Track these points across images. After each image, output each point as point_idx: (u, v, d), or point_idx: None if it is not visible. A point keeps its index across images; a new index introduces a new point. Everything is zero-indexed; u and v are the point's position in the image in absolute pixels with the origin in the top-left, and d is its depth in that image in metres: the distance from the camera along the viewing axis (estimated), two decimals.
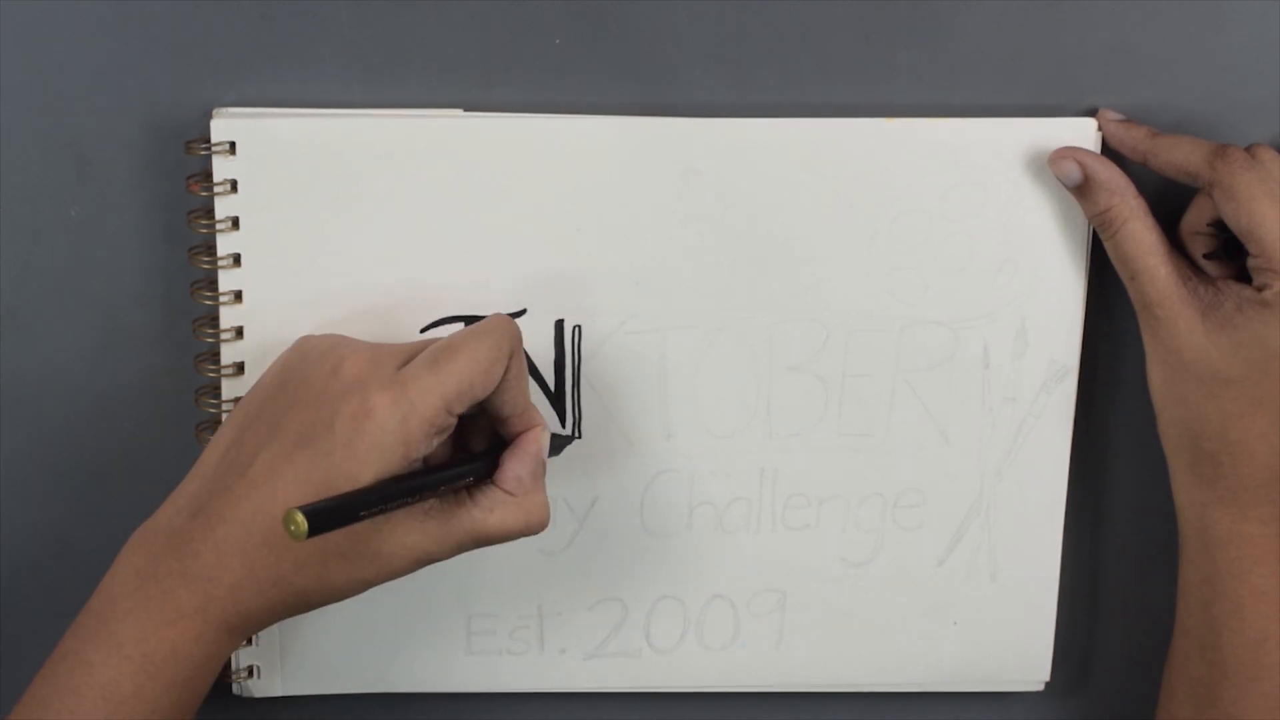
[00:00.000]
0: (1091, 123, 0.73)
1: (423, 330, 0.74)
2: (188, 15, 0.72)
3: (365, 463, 0.63)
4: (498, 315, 0.68)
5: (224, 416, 0.74)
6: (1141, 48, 0.74)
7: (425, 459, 0.66)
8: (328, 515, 0.61)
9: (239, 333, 0.74)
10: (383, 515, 0.63)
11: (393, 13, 0.73)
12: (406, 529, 0.65)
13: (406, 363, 0.66)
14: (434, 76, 0.73)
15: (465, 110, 0.74)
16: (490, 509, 0.67)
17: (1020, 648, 0.80)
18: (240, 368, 0.74)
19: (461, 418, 0.67)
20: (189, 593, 0.65)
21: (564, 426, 0.76)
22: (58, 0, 0.72)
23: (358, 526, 0.63)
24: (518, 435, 0.68)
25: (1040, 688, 0.81)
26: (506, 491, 0.67)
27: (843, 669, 0.80)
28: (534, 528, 0.68)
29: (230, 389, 0.74)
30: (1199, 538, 0.73)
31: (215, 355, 0.74)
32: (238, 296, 0.73)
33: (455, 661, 0.78)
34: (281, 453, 0.64)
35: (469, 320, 0.74)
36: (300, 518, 0.59)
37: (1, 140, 0.73)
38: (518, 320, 0.74)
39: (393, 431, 0.63)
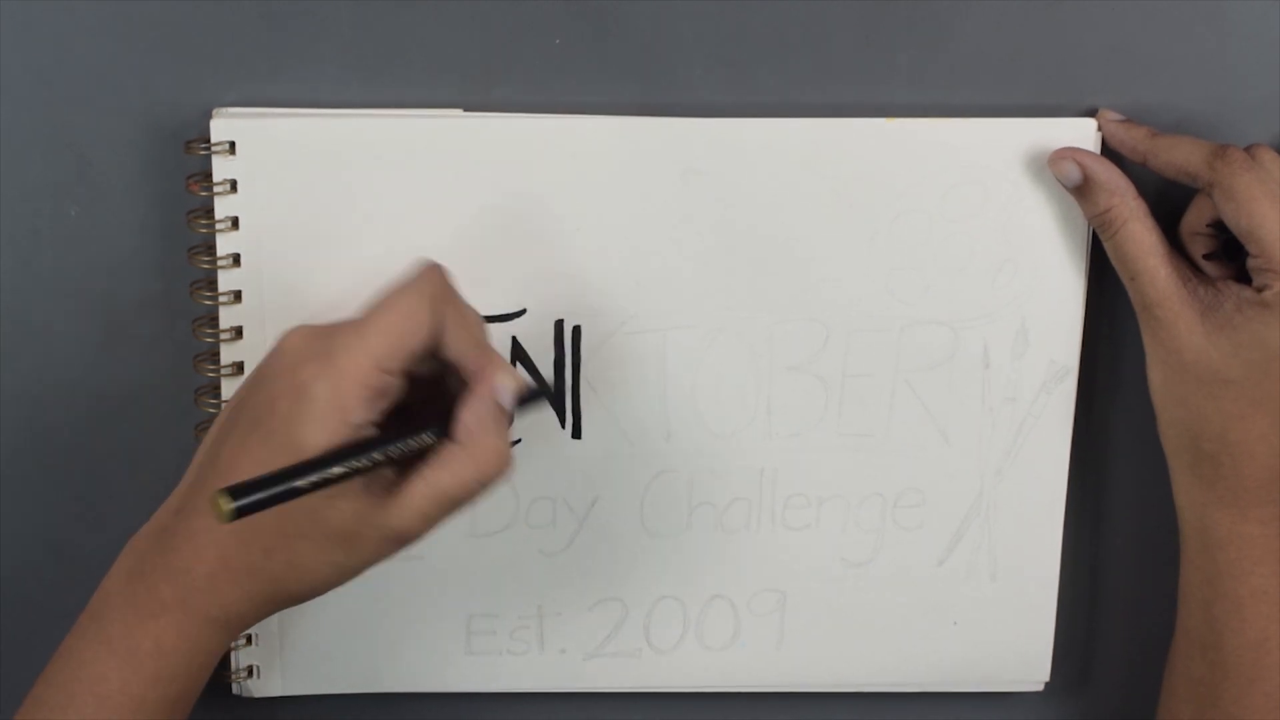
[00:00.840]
0: (1091, 123, 0.73)
1: None
2: (188, 15, 0.72)
3: (306, 436, 0.61)
4: (422, 262, 0.64)
5: None
6: (1141, 48, 0.74)
7: (382, 428, 0.63)
8: (256, 490, 0.59)
9: (238, 333, 0.74)
10: (335, 488, 0.61)
11: (393, 13, 0.73)
12: (364, 503, 0.62)
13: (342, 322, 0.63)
14: (434, 76, 0.73)
15: (465, 110, 0.74)
16: (443, 465, 0.62)
17: (1020, 648, 0.80)
18: (240, 368, 0.74)
19: (434, 382, 0.65)
20: (170, 586, 0.64)
21: (563, 426, 0.76)
22: (58, 0, 0.72)
23: (311, 503, 0.61)
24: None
25: (1040, 688, 0.81)
26: (457, 442, 0.63)
27: (843, 669, 0.80)
28: (490, 475, 0.63)
29: (230, 389, 0.74)
30: (1199, 538, 0.73)
31: (215, 355, 0.74)
32: (237, 297, 0.73)
33: (455, 661, 0.78)
34: (239, 440, 0.63)
35: None
36: (222, 498, 0.58)
37: (1, 140, 0.73)
38: (517, 320, 0.74)
39: (326, 400, 0.61)
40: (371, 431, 0.63)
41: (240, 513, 0.58)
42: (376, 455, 0.62)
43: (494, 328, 0.74)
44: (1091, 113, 0.74)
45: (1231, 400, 0.71)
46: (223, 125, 0.72)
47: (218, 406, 0.74)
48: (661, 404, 0.76)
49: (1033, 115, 0.74)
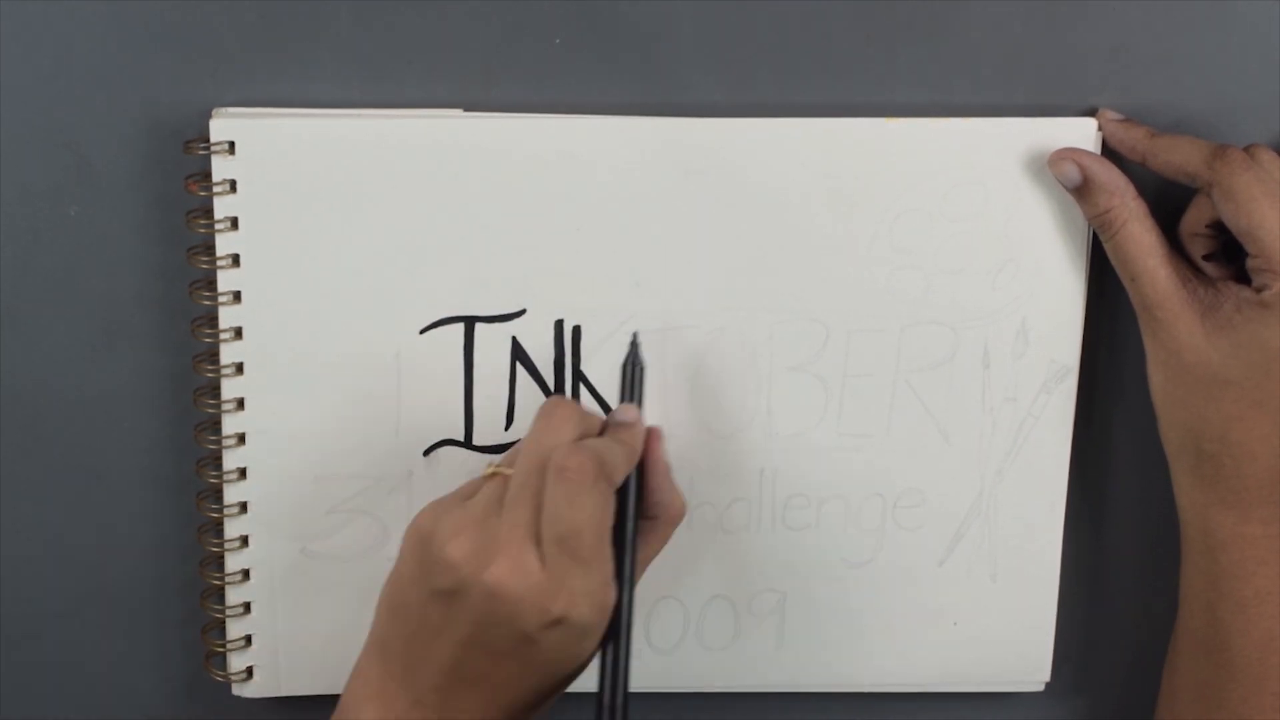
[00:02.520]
0: (1092, 123, 0.73)
1: (422, 331, 0.74)
2: (187, 15, 0.72)
3: (587, 649, 0.66)
4: (548, 407, 0.67)
5: (223, 417, 0.75)
6: (1141, 48, 0.74)
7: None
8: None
9: (238, 333, 0.74)
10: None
11: (393, 13, 0.73)
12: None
13: (536, 541, 0.64)
14: (434, 76, 0.73)
15: (465, 110, 0.73)
16: (649, 543, 0.69)
17: (1020, 648, 0.80)
18: (239, 368, 0.74)
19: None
20: None
21: None
22: (58, 0, 0.72)
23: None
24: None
25: (1041, 688, 0.80)
26: (655, 519, 0.69)
27: (843, 669, 0.80)
28: (678, 524, 0.70)
29: (229, 389, 0.74)
30: (1201, 540, 0.73)
31: (214, 355, 0.74)
32: (236, 297, 0.73)
33: None
34: (485, 659, 0.65)
35: (468, 321, 0.74)
36: None
37: (1, 140, 0.73)
38: (517, 320, 0.74)
39: (590, 619, 0.65)
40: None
41: None
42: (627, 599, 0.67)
43: (493, 328, 0.74)
44: (1091, 113, 0.74)
45: (1232, 401, 0.71)
46: (222, 125, 0.72)
47: (216, 407, 0.74)
48: (661, 404, 0.76)
49: (1033, 115, 0.74)
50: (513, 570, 0.63)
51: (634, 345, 0.72)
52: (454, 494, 0.68)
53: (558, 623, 0.64)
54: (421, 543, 0.66)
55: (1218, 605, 0.73)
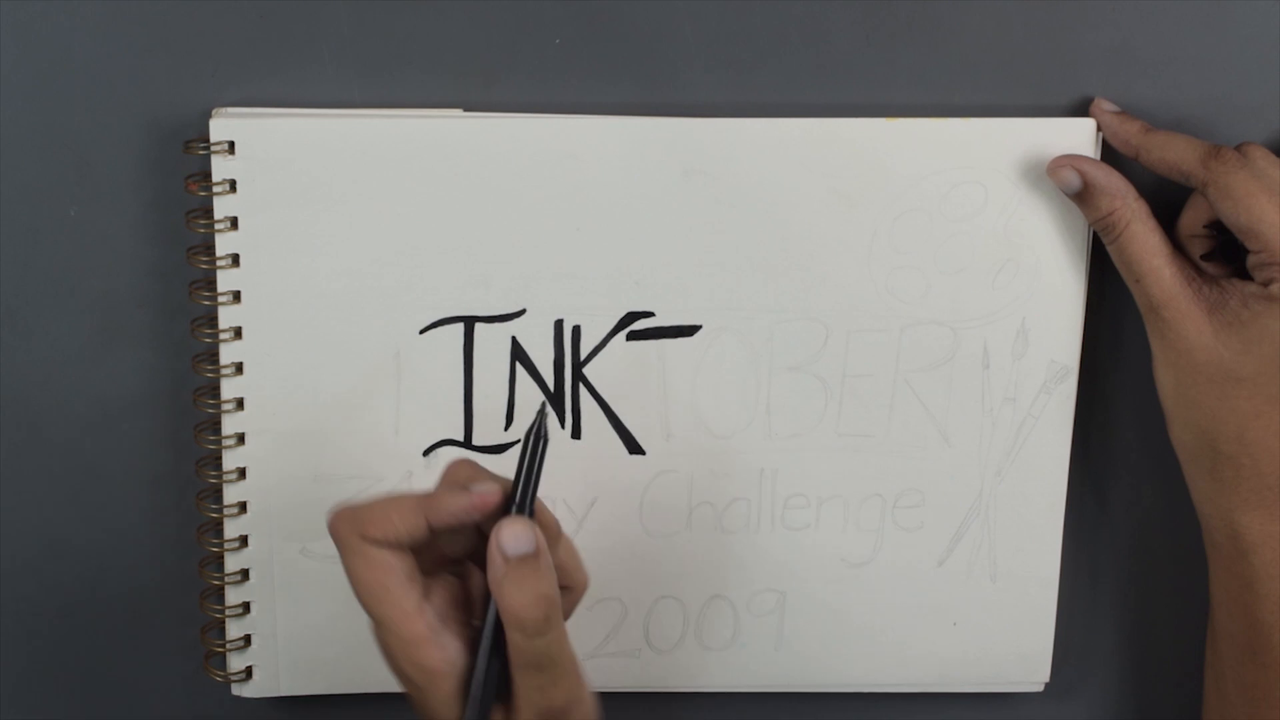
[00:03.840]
0: (1090, 123, 0.73)
1: (421, 331, 0.74)
2: (187, 15, 0.72)
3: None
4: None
5: (222, 417, 0.75)
6: (1141, 47, 0.74)
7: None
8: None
9: (237, 333, 0.74)
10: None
11: (393, 13, 0.73)
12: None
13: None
14: (434, 76, 0.73)
15: (465, 110, 0.74)
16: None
17: (1020, 648, 0.80)
18: (239, 368, 0.74)
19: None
20: None
21: (563, 426, 0.76)
22: (58, 0, 0.72)
23: None
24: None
25: (1040, 688, 0.80)
26: (522, 622, 0.64)
27: (843, 669, 0.80)
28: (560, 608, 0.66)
29: (229, 389, 0.74)
30: (1231, 544, 0.72)
31: (214, 355, 0.74)
32: (236, 297, 0.73)
33: None
34: None
35: (468, 321, 0.74)
36: None
37: (1, 140, 0.73)
38: (517, 320, 0.74)
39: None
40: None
41: None
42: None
43: (493, 328, 0.75)
44: (1087, 102, 0.73)
45: (1246, 398, 0.70)
46: (222, 125, 0.72)
47: (216, 407, 0.74)
48: (661, 404, 0.76)
49: (1033, 115, 0.74)
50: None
51: (540, 415, 0.66)
52: None
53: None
54: None
55: (1255, 607, 0.72)
